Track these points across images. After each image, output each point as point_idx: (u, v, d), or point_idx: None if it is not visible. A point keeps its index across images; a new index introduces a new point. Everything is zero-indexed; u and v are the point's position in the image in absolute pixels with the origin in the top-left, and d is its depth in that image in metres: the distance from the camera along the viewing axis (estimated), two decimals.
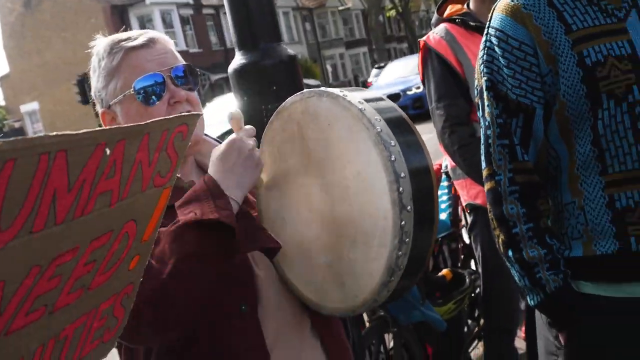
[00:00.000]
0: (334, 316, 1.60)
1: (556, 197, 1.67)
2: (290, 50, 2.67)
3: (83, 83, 22.46)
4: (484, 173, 1.68)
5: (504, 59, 1.60)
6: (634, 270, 1.56)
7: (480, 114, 1.69)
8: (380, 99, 1.42)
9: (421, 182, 1.30)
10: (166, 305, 1.33)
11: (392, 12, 45.79)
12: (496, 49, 1.62)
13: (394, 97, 15.90)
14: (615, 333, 1.60)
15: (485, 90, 1.64)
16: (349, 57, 54.38)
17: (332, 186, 1.40)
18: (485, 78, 1.64)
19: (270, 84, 2.54)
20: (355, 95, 1.37)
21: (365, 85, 26.66)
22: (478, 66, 1.68)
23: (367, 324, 3.03)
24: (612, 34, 1.54)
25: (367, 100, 1.36)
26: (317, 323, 1.62)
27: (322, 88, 1.42)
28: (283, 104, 1.50)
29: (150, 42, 1.55)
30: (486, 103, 1.64)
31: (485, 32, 1.66)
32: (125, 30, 1.62)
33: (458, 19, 2.87)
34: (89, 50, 1.60)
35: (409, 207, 1.26)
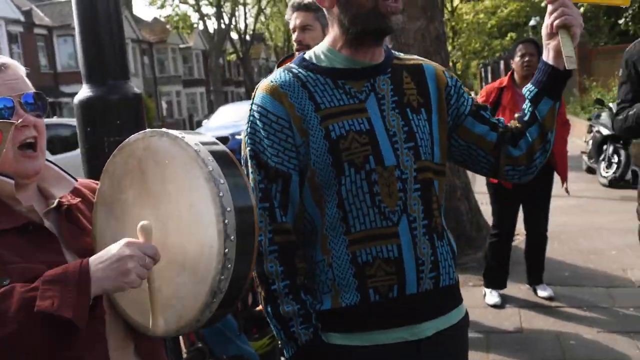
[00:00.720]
0: (158, 338, 1.66)
1: (311, 255, 1.80)
2: (137, 89, 2.76)
3: None
4: None
5: (264, 131, 1.75)
6: (373, 320, 1.74)
7: None
8: (215, 143, 1.56)
9: (245, 218, 1.45)
10: None
11: (233, 57, 45.95)
12: (257, 122, 1.76)
13: (223, 139, 15.72)
14: None
15: (249, 159, 1.78)
16: (186, 96, 53.68)
17: (167, 217, 1.51)
18: (248, 148, 1.79)
19: (114, 118, 2.61)
20: (192, 138, 1.50)
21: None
22: (243, 138, 1.83)
23: (185, 355, 3.11)
24: (353, 113, 1.75)
25: (203, 143, 1.50)
26: (140, 347, 1.67)
27: (164, 129, 1.54)
28: (126, 140, 1.59)
29: (2, 67, 1.57)
30: (250, 170, 1.78)
31: (250, 108, 1.81)
32: None
33: None
34: None
35: (232, 237, 1.40)
